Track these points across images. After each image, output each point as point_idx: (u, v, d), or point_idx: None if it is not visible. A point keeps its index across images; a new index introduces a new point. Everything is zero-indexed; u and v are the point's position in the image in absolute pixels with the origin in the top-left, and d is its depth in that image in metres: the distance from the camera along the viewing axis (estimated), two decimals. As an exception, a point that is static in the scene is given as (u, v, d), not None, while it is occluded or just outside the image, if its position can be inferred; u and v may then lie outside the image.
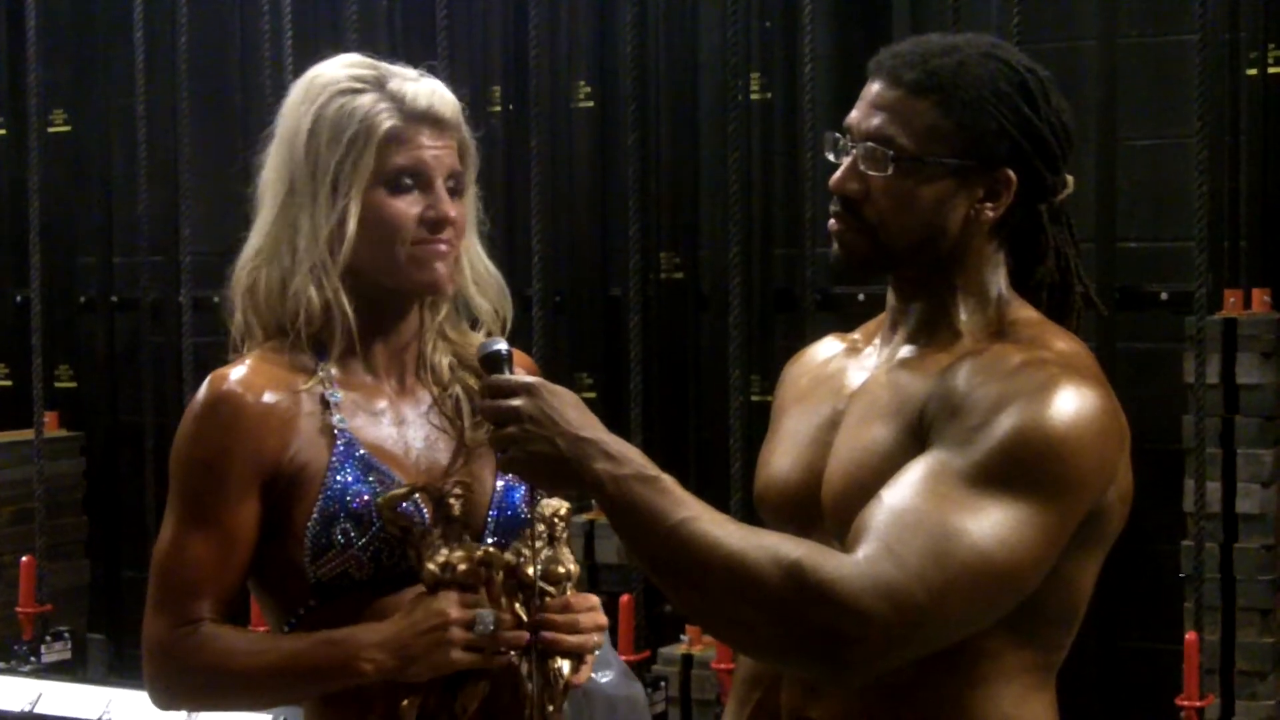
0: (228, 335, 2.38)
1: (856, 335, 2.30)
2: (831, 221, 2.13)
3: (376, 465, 2.26)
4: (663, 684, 4.91)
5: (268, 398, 2.26)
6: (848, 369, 2.22)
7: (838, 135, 2.14)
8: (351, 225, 2.26)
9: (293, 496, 2.24)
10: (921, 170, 2.07)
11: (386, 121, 2.28)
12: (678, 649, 5.00)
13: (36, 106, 5.84)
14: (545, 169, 5.20)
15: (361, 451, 2.26)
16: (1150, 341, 5.05)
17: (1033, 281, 2.18)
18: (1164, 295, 5.04)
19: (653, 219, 5.64)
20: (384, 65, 2.35)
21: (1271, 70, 4.97)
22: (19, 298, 6.58)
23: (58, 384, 6.62)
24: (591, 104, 5.86)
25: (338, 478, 2.24)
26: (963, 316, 2.12)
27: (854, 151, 2.11)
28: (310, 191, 2.27)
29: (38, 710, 4.84)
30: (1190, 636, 4.29)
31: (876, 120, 2.09)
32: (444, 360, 2.39)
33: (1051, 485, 1.94)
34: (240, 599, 2.33)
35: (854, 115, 2.13)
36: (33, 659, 5.50)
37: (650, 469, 1.96)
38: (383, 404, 2.33)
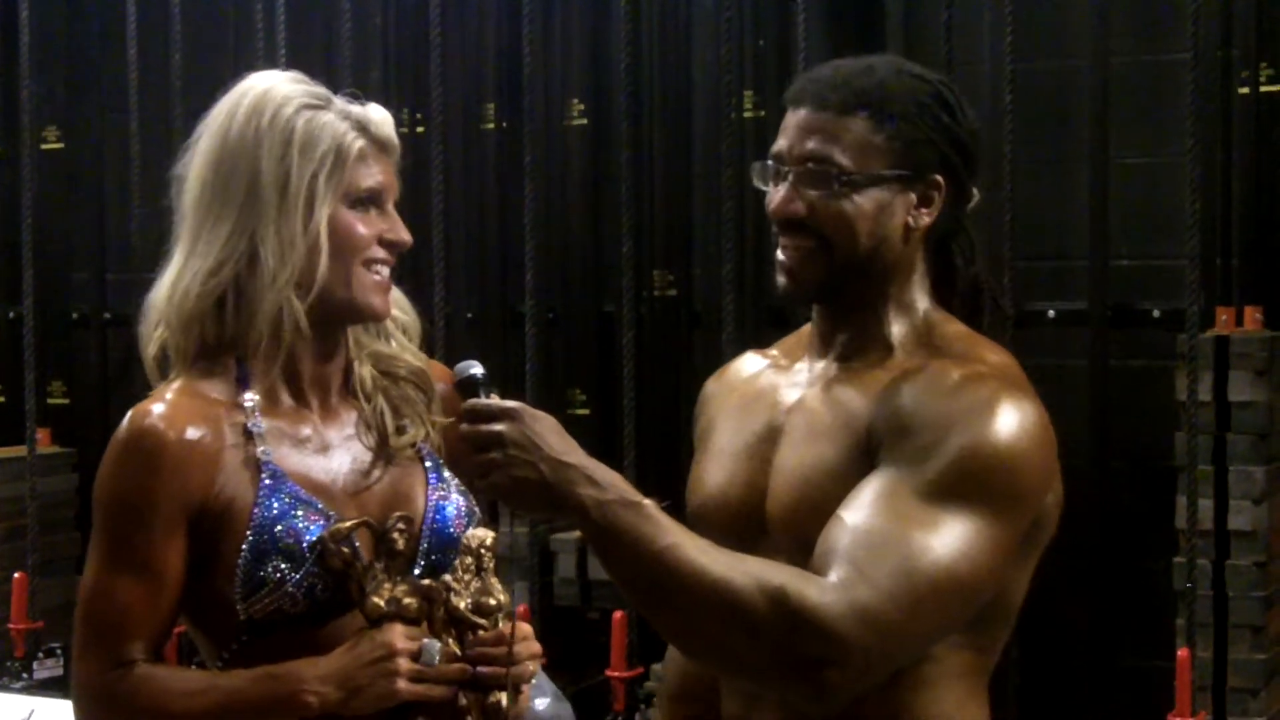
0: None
1: (775, 351, 2.36)
2: (780, 252, 2.18)
3: (303, 497, 2.23)
4: (655, 700, 4.90)
5: (190, 433, 2.22)
6: (780, 385, 2.27)
7: (769, 164, 2.18)
8: (324, 239, 2.25)
9: (220, 532, 2.21)
10: (860, 185, 2.13)
11: (358, 142, 2.28)
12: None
13: (29, 123, 5.84)
14: (539, 186, 5.21)
15: (288, 484, 2.23)
16: (1142, 359, 5.06)
17: (951, 282, 2.24)
18: (1156, 313, 5.04)
19: (646, 236, 5.64)
20: (318, 85, 2.35)
21: (1264, 89, 4.98)
22: (11, 314, 6.58)
23: (50, 400, 6.62)
24: (585, 122, 5.86)
25: (266, 513, 2.20)
26: (894, 329, 2.19)
27: (790, 176, 2.16)
28: (277, 204, 2.25)
29: (30, 727, 4.83)
30: (1182, 653, 4.29)
31: (811, 143, 2.15)
32: (366, 372, 2.38)
33: (1001, 497, 2.00)
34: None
35: (783, 143, 2.19)
36: (25, 675, 5.49)
37: (633, 495, 1.98)
38: (307, 430, 2.31)
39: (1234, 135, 5.03)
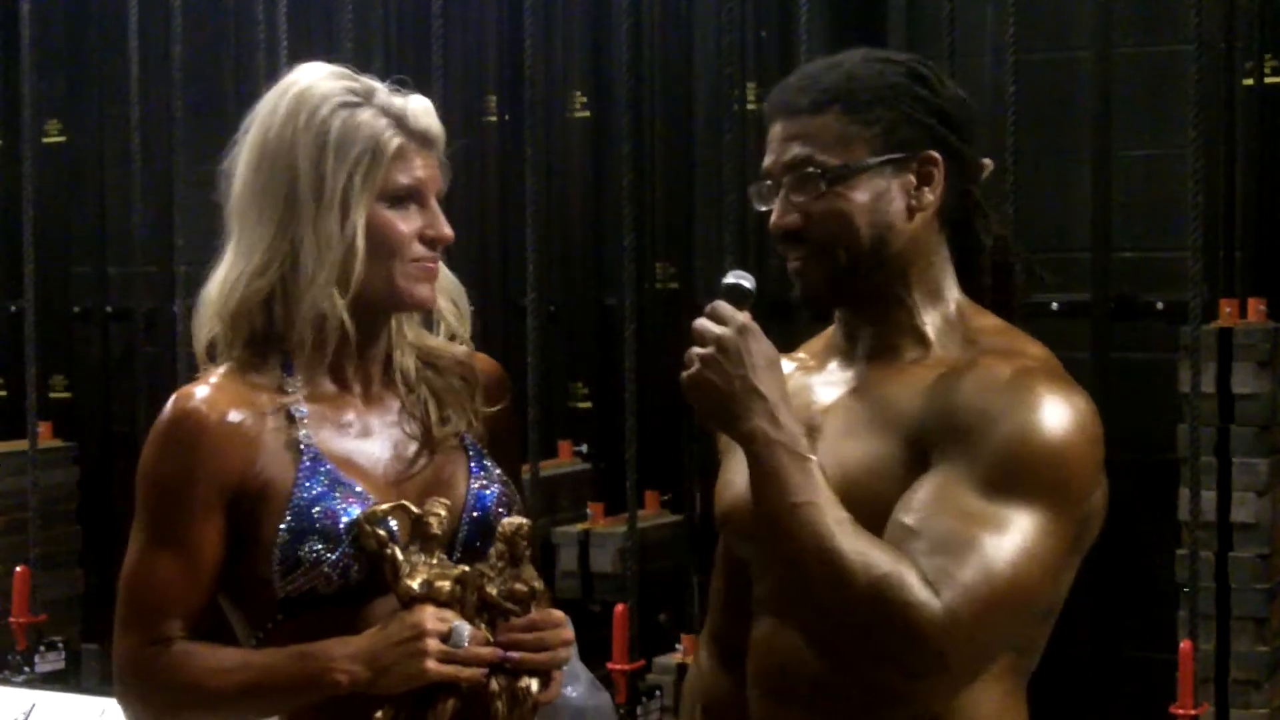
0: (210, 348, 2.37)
1: (802, 354, 2.34)
2: (789, 266, 2.18)
3: (343, 479, 2.26)
4: (658, 693, 4.90)
5: (232, 416, 2.26)
6: (812, 386, 2.25)
7: (763, 184, 2.17)
8: (361, 242, 2.26)
9: (259, 513, 2.24)
10: (849, 179, 2.12)
11: (394, 140, 2.28)
12: (673, 658, 4.99)
13: (31, 117, 5.83)
14: (540, 178, 5.20)
15: (328, 466, 2.26)
16: (1145, 351, 5.05)
17: (975, 262, 2.22)
18: (1159, 305, 5.04)
19: (648, 229, 5.63)
20: (363, 77, 2.35)
21: (1268, 80, 4.98)
22: (13, 308, 6.57)
23: (52, 394, 6.61)
24: (587, 114, 5.86)
25: (305, 493, 2.23)
26: (925, 321, 2.17)
27: (781, 190, 2.15)
28: (314, 206, 2.26)
29: (32, 720, 4.83)
30: (1185, 645, 4.28)
31: (792, 150, 2.15)
32: (410, 363, 2.39)
33: (1059, 494, 2.00)
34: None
35: (768, 159, 2.19)
36: (26, 669, 5.49)
37: (802, 447, 2.02)
38: (350, 416, 2.33)
39: (1237, 127, 5.02)
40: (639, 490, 4.97)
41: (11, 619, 5.54)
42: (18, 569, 5.56)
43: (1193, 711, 4.23)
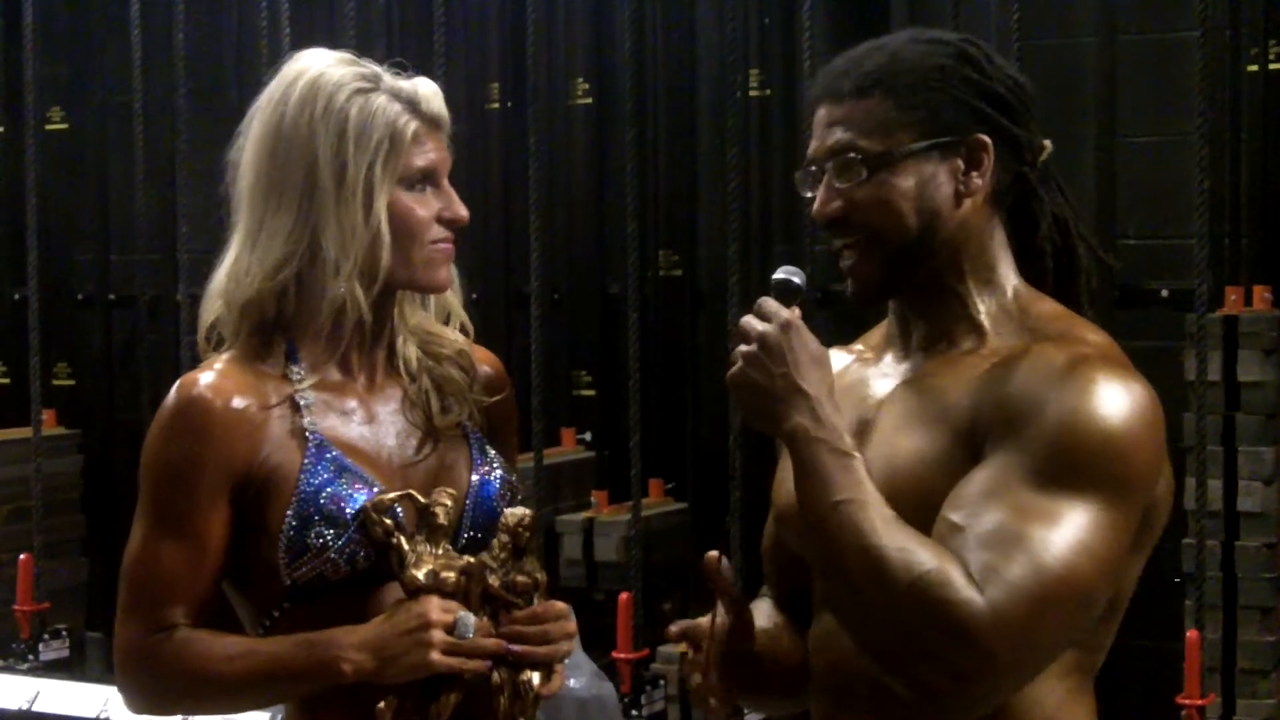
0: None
1: (859, 345, 2.29)
2: (841, 259, 2.13)
3: (349, 466, 2.26)
4: (661, 682, 4.89)
5: (237, 402, 2.26)
6: (869, 378, 2.21)
7: (807, 170, 2.14)
8: (385, 228, 2.26)
9: (265, 500, 2.24)
10: (891, 165, 2.08)
11: (410, 124, 2.28)
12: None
13: (33, 104, 5.82)
14: (543, 166, 5.19)
15: (334, 453, 2.27)
16: (1151, 339, 5.03)
17: (1035, 246, 2.16)
18: (1165, 293, 5.02)
19: (651, 216, 5.62)
20: (368, 61, 2.35)
21: (1272, 66, 4.96)
22: (16, 296, 6.57)
23: (55, 382, 6.61)
24: (589, 101, 5.85)
25: (311, 480, 2.24)
26: (980, 308, 2.12)
27: (824, 176, 2.11)
28: (336, 195, 2.26)
29: (36, 708, 4.84)
30: (1191, 635, 4.27)
31: (834, 136, 2.11)
32: (412, 352, 2.39)
33: (1115, 484, 1.94)
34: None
35: (812, 145, 2.15)
36: (30, 657, 5.49)
37: (844, 444, 1.98)
38: (353, 403, 2.34)
39: (1242, 113, 5.00)
40: (643, 478, 4.97)
41: (15, 607, 5.54)
42: (21, 557, 5.56)
43: (1199, 701, 4.22)
